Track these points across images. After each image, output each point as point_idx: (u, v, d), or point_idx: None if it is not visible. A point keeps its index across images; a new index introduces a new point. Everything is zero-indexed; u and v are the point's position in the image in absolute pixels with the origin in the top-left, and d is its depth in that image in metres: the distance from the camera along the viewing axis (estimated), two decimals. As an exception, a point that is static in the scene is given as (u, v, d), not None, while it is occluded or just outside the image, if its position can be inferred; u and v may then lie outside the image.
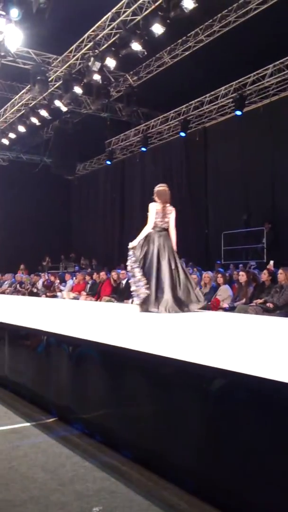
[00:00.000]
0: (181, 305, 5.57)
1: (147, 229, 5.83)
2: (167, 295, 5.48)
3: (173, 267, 5.65)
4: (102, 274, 11.54)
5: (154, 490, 2.53)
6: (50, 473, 2.78)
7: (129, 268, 5.77)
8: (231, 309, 7.38)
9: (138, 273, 5.58)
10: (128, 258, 5.80)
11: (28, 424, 3.69)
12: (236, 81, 13.55)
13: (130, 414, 2.97)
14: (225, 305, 7.60)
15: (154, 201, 5.94)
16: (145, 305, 5.51)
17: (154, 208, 5.85)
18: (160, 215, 5.86)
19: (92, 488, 2.57)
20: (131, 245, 5.79)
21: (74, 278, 12.63)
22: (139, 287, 5.51)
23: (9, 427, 3.61)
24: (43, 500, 2.45)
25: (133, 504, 2.39)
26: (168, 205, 5.93)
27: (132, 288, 5.67)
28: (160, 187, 6.01)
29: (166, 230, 5.90)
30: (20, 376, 4.55)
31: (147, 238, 5.79)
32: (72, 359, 3.72)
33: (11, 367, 4.75)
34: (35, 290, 13.73)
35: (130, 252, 5.78)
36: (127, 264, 5.85)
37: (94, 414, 3.34)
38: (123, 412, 3.03)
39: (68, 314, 6.27)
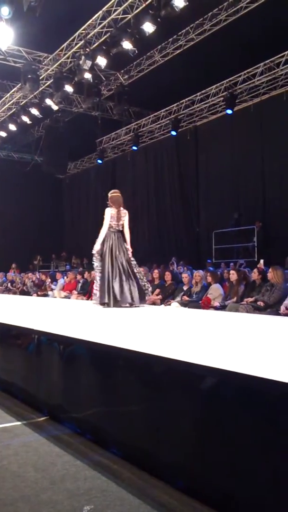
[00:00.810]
0: (131, 299, 6.19)
1: (103, 232, 6.43)
2: (117, 291, 6.10)
3: (125, 265, 6.28)
4: (94, 273, 11.52)
5: (145, 489, 2.54)
6: (41, 471, 2.78)
7: (96, 267, 6.39)
8: (222, 307, 7.41)
9: (98, 279, 6.26)
10: (93, 262, 6.46)
11: (19, 423, 3.69)
12: (227, 80, 13.59)
13: (121, 413, 2.98)
14: (216, 303, 7.62)
15: (109, 206, 6.53)
16: (102, 300, 6.17)
17: (109, 212, 6.46)
18: (115, 218, 6.45)
19: (83, 487, 2.57)
20: (95, 250, 6.39)
21: (65, 277, 12.62)
22: (97, 291, 6.24)
23: (0, 426, 3.60)
24: (34, 498, 2.46)
25: (124, 503, 2.40)
26: (122, 209, 6.54)
27: (95, 289, 6.34)
28: (114, 194, 6.65)
29: (121, 231, 6.51)
30: (11, 375, 4.54)
31: (104, 240, 6.39)
32: (63, 358, 3.72)
33: (2, 366, 4.74)
34: (26, 289, 13.69)
35: (94, 258, 6.42)
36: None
37: (85, 413, 3.35)
38: (114, 411, 3.04)
39: (59, 313, 6.26)
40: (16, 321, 4.74)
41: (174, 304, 8.20)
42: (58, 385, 3.76)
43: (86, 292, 11.26)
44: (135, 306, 6.25)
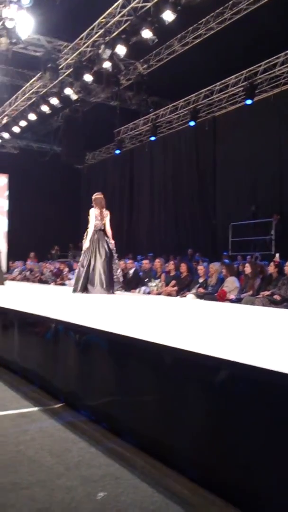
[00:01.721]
0: (107, 288, 7.20)
1: (91, 230, 7.38)
2: (97, 280, 7.15)
3: (103, 259, 7.23)
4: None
5: (158, 478, 2.57)
6: (56, 457, 2.84)
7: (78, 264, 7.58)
8: (238, 300, 7.39)
9: (78, 270, 7.47)
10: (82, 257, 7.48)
11: (36, 408, 3.75)
12: (247, 70, 13.44)
13: (135, 402, 3.01)
14: (232, 296, 7.61)
15: (93, 207, 7.44)
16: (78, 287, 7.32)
17: (93, 213, 7.40)
18: (98, 218, 7.38)
19: (97, 474, 2.62)
20: (84, 247, 7.40)
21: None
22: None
23: (17, 411, 3.67)
24: (49, 483, 2.51)
25: (138, 491, 2.44)
26: (104, 209, 7.47)
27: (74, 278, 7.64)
28: (97, 196, 7.55)
29: (103, 230, 7.43)
30: (29, 362, 4.62)
31: (91, 238, 7.36)
32: (79, 346, 3.77)
33: (20, 353, 4.81)
34: (44, 278, 13.81)
35: (82, 253, 7.47)
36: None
37: (100, 401, 3.39)
38: (128, 400, 3.08)
39: (76, 302, 6.32)
40: (34, 310, 4.80)
41: (190, 296, 8.21)
42: (74, 373, 3.81)
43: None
44: (106, 293, 7.19)
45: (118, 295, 7.30)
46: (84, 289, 7.20)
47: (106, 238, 7.42)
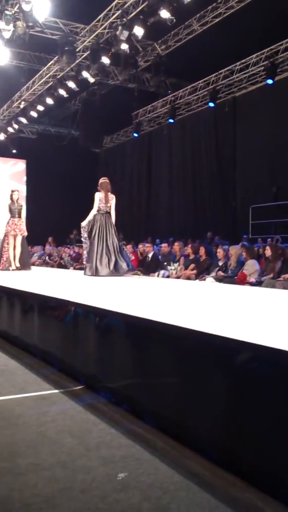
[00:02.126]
0: (117, 270, 7.35)
1: (93, 212, 7.60)
2: (104, 262, 7.31)
3: (110, 243, 7.42)
4: (129, 247, 11.57)
5: (178, 459, 2.58)
6: (77, 438, 2.86)
7: (83, 240, 7.77)
8: (258, 283, 7.33)
9: (87, 254, 7.56)
10: (82, 234, 7.79)
11: (56, 391, 3.79)
12: (268, 49, 13.13)
13: (155, 384, 3.01)
14: (252, 279, 7.55)
15: (98, 191, 7.68)
16: (89, 270, 7.42)
17: (98, 196, 7.62)
18: (103, 201, 7.60)
19: (117, 455, 2.64)
20: (83, 224, 7.69)
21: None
22: (87, 264, 7.52)
23: (38, 394, 3.71)
24: (70, 464, 2.53)
25: (158, 472, 2.45)
26: (109, 193, 7.69)
27: (84, 254, 7.75)
28: (103, 180, 7.77)
29: (109, 213, 7.66)
30: (48, 345, 4.65)
31: (94, 219, 7.57)
32: (98, 329, 3.77)
33: (40, 336, 4.86)
34: (63, 263, 13.90)
35: (82, 230, 7.73)
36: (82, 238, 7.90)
37: (119, 384, 3.40)
38: (148, 382, 3.08)
39: (95, 286, 6.34)
40: (54, 293, 4.83)
41: (209, 279, 8.17)
42: (93, 355, 3.83)
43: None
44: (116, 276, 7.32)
45: (138, 278, 7.31)
46: (95, 272, 7.28)
47: (111, 221, 7.65)
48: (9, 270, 9.10)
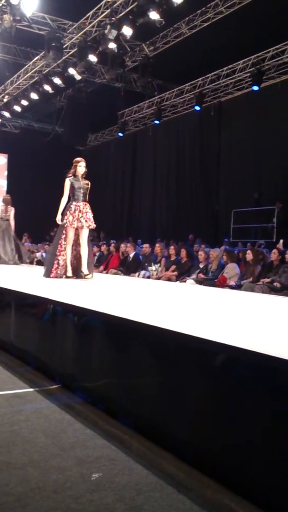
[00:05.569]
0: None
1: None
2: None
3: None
4: (112, 247, 11.55)
5: (154, 460, 2.56)
6: (51, 438, 2.82)
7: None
8: (238, 287, 7.37)
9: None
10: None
11: (31, 389, 3.73)
12: (255, 55, 13.24)
13: (132, 384, 2.99)
14: (232, 282, 7.58)
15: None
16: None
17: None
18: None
19: (92, 455, 2.60)
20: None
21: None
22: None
23: (13, 392, 3.65)
24: (43, 464, 2.49)
25: (133, 472, 2.43)
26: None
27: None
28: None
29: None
30: (25, 343, 4.59)
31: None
32: (77, 328, 3.74)
33: (16, 334, 4.79)
34: (42, 260, 13.76)
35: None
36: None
37: (97, 383, 3.37)
38: (125, 382, 3.06)
39: (74, 284, 6.29)
40: (32, 290, 4.77)
41: (190, 281, 8.19)
42: (71, 354, 3.79)
43: (101, 265, 11.31)
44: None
45: (118, 277, 7.18)
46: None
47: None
48: None
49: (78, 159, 6.78)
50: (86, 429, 2.95)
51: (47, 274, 6.54)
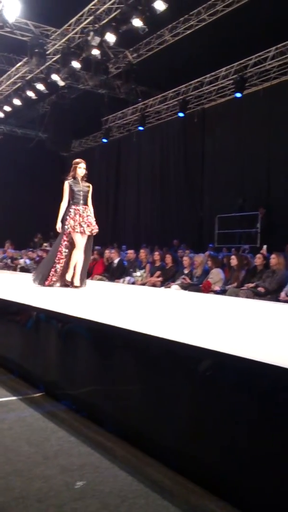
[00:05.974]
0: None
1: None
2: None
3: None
4: (96, 253, 11.51)
5: (139, 467, 2.54)
6: (34, 446, 2.79)
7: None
8: (222, 292, 7.40)
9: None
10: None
11: (14, 398, 3.69)
12: (237, 63, 13.38)
13: (117, 392, 2.97)
14: (217, 288, 7.61)
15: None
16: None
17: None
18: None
19: (76, 463, 2.58)
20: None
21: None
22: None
23: (-5, 400, 3.61)
24: (26, 473, 2.46)
25: (117, 480, 2.41)
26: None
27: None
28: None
29: None
30: (8, 350, 4.54)
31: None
32: (61, 335, 3.71)
33: (-1, 341, 4.74)
34: (26, 267, 13.68)
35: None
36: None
37: (81, 391, 3.35)
38: (110, 389, 3.04)
39: (59, 291, 6.25)
40: (15, 297, 4.72)
41: (174, 287, 8.20)
42: (55, 362, 3.75)
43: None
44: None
45: (103, 284, 7.11)
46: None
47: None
48: None
49: (78, 160, 6.51)
50: (70, 437, 2.92)
51: (41, 282, 6.23)
